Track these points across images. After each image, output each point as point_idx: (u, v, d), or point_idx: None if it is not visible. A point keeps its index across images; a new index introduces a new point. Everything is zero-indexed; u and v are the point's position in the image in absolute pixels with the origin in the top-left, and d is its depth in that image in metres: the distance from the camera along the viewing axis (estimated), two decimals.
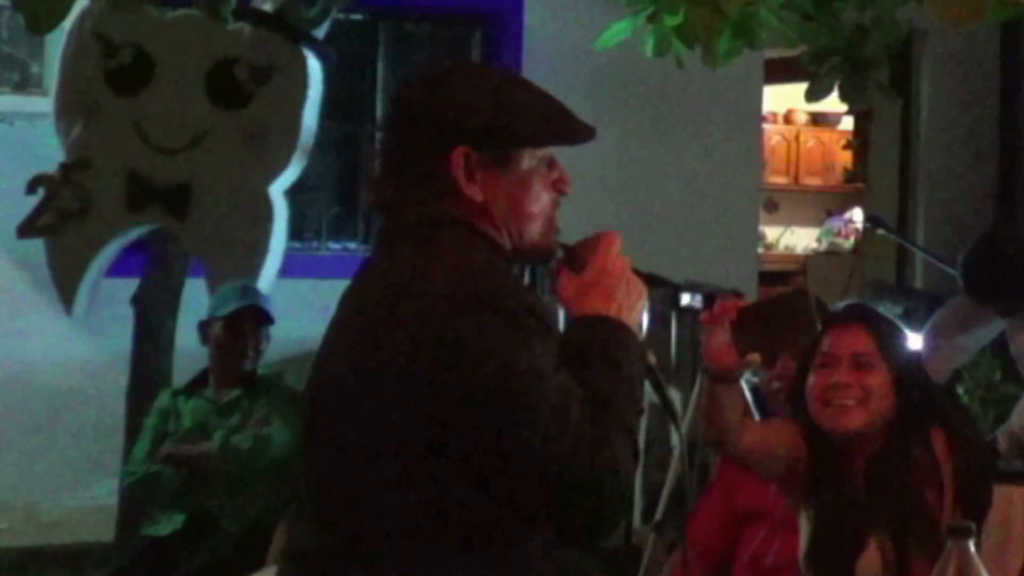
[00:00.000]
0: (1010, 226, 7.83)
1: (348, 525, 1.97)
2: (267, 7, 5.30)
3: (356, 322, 2.00)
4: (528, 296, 1.96)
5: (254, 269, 5.22)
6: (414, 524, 1.92)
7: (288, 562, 2.07)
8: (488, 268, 1.96)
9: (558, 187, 2.09)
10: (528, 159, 2.04)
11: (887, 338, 2.97)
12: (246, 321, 4.77)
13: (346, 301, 2.06)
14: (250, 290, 4.92)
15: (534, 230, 2.07)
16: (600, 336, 1.99)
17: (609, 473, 1.86)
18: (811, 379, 2.97)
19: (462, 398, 1.86)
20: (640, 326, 2.09)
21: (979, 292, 4.48)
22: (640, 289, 2.07)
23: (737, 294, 4.81)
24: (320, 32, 5.39)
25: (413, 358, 1.88)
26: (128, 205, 5.28)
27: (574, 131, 2.08)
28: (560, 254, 2.12)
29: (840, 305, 3.30)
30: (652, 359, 2.13)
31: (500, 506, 1.90)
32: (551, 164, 2.08)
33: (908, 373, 2.96)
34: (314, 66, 5.35)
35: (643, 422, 5.52)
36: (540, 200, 2.06)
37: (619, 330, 2.01)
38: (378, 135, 7.20)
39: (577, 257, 2.09)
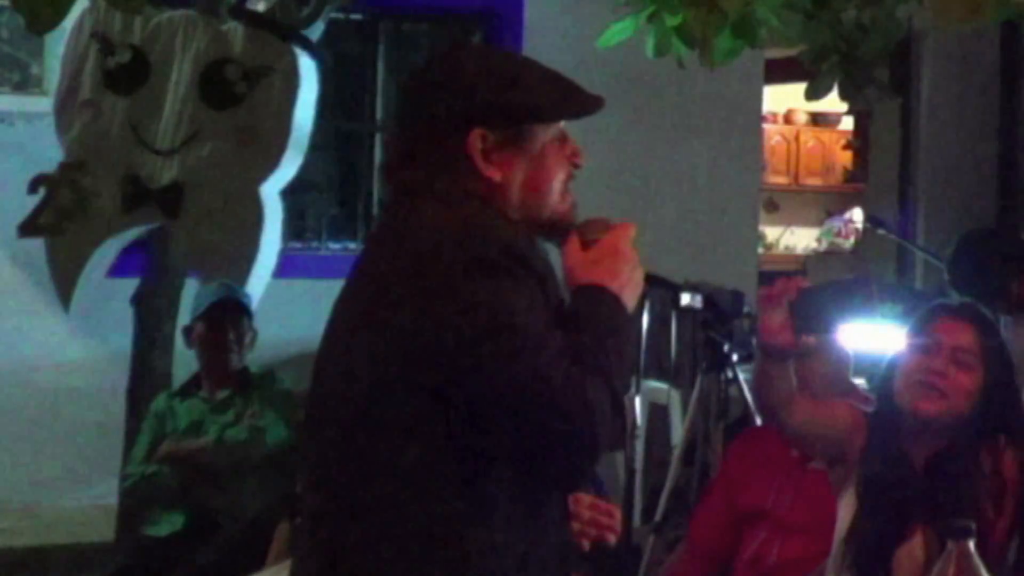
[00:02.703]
0: (1002, 222, 7.87)
1: (338, 479, 2.01)
2: (260, 7, 5.30)
3: (350, 284, 2.08)
4: (521, 245, 1.98)
5: (244, 269, 5.22)
6: (389, 472, 1.95)
7: (299, 523, 2.12)
8: (477, 218, 1.99)
9: (572, 160, 2.12)
10: (542, 136, 2.08)
11: (991, 342, 2.97)
12: (225, 316, 4.82)
13: (351, 273, 2.11)
14: (226, 286, 4.96)
15: (552, 204, 2.10)
16: (598, 305, 2.02)
17: (581, 407, 1.88)
18: (907, 359, 2.97)
19: (437, 337, 1.91)
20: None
21: (959, 283, 4.52)
22: (640, 282, 2.10)
23: (737, 294, 4.82)
24: (316, 32, 5.38)
25: (393, 309, 1.94)
26: (124, 205, 5.28)
27: (584, 102, 2.13)
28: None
29: (955, 300, 3.30)
30: None
31: (472, 447, 1.93)
32: (563, 139, 2.11)
33: (999, 382, 2.96)
34: (307, 65, 5.34)
35: (643, 422, 5.47)
36: (556, 175, 2.10)
37: (617, 304, 2.03)
38: (378, 134, 7.20)
39: (590, 232, 2.10)
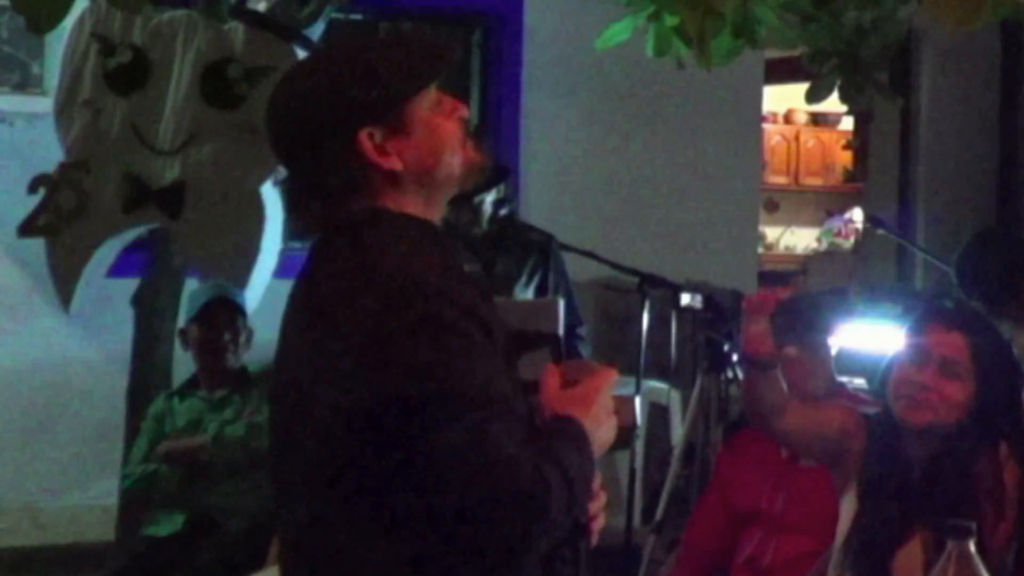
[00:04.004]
0: (1002, 223, 7.87)
1: (293, 535, 2.02)
2: (260, 7, 5.29)
3: (292, 332, 2.07)
4: (463, 292, 1.95)
5: (244, 269, 5.22)
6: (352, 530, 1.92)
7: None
8: (412, 263, 1.95)
9: (456, 114, 2.10)
10: (420, 107, 2.05)
11: (983, 350, 2.95)
12: (220, 316, 4.84)
13: (287, 310, 2.11)
14: (218, 286, 4.97)
15: (458, 161, 2.08)
16: (568, 429, 1.97)
17: (538, 484, 1.82)
18: (898, 367, 2.97)
19: (389, 402, 1.85)
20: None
21: (966, 285, 4.51)
22: (613, 431, 2.06)
23: (737, 294, 4.83)
24: (315, 32, 5.38)
25: (337, 368, 1.90)
26: (124, 205, 5.28)
27: (440, 59, 2.10)
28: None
29: (948, 305, 3.30)
30: None
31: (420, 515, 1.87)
32: (440, 99, 2.09)
33: (993, 389, 2.94)
34: None
35: (643, 422, 5.45)
36: (450, 136, 2.07)
37: (586, 440, 1.97)
38: None
39: (571, 373, 2.08)
